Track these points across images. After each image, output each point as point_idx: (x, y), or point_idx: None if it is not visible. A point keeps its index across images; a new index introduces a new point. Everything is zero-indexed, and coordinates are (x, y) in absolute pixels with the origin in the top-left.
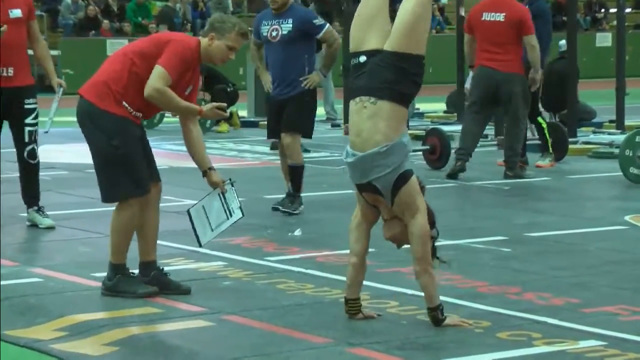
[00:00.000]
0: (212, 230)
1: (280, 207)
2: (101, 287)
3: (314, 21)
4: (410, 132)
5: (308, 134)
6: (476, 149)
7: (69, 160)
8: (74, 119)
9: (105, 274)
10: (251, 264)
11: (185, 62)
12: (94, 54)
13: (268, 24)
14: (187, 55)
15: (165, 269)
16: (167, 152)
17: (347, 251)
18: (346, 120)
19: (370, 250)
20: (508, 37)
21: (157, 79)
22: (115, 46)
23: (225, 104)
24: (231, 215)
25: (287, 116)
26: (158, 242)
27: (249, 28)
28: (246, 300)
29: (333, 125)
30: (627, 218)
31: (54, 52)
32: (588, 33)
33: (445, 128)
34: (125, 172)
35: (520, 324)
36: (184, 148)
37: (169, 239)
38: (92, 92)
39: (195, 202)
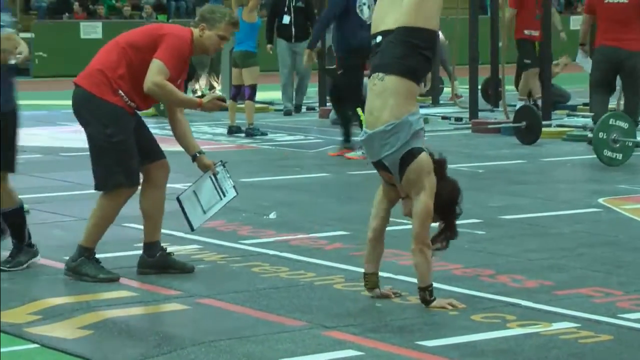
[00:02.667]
0: (205, 212)
1: None
2: (64, 267)
3: None
4: None
5: None
6: (450, 132)
7: (42, 143)
8: (47, 102)
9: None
10: (226, 247)
11: (182, 56)
12: (67, 37)
13: None
14: (183, 49)
15: (139, 252)
16: None
17: (322, 234)
18: (322, 104)
19: (344, 233)
20: (631, 17)
21: (156, 74)
22: (89, 29)
23: (224, 96)
24: (224, 195)
25: None
26: (134, 225)
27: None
28: (221, 283)
29: (308, 109)
30: (600, 200)
31: (27, 35)
32: (562, 16)
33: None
34: (117, 161)
35: (494, 306)
36: (165, 132)
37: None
38: (88, 81)
39: (185, 188)
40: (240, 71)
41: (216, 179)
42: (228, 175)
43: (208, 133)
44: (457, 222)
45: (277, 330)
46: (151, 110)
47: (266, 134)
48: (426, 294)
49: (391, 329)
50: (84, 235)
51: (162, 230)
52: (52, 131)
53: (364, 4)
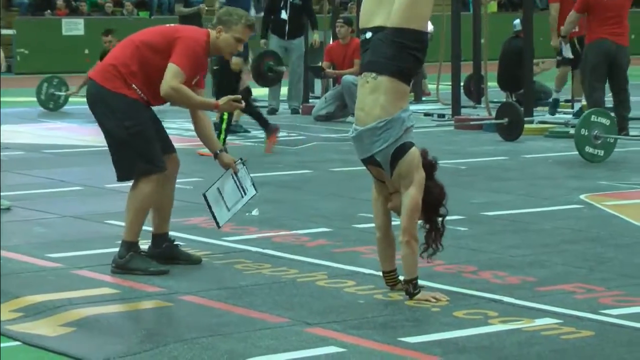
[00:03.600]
0: (229, 210)
1: None
2: (111, 265)
3: None
4: None
5: None
6: (433, 129)
7: (26, 140)
8: (30, 99)
9: (60, 254)
10: (208, 244)
11: (198, 59)
12: (49, 34)
13: None
14: (199, 52)
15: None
16: None
17: (305, 231)
18: (305, 101)
19: (326, 230)
20: (622, 13)
21: (172, 78)
22: (71, 25)
23: (240, 96)
24: (245, 194)
25: None
26: (117, 222)
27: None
28: (203, 280)
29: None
30: (582, 197)
31: (9, 32)
32: (544, 12)
33: None
34: (139, 151)
35: (476, 303)
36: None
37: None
38: (102, 76)
39: (209, 185)
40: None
41: (237, 177)
42: (248, 173)
43: (191, 130)
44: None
45: (260, 327)
46: None
47: (249, 132)
48: (410, 286)
49: (373, 325)
50: (125, 230)
51: (145, 228)
52: (34, 128)
53: None
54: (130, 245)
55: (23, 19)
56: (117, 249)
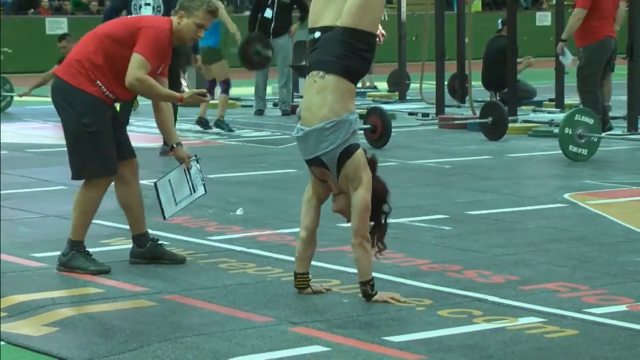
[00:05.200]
0: (176, 204)
1: None
2: (56, 263)
3: None
4: None
5: None
6: (417, 128)
7: (8, 139)
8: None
9: (44, 254)
10: (193, 244)
11: (162, 47)
12: (32, 33)
13: None
14: (163, 41)
15: (105, 249)
16: None
17: (289, 230)
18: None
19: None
20: (615, 9)
21: (137, 68)
22: (54, 25)
23: (205, 90)
24: (194, 191)
25: None
26: (99, 221)
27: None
28: (188, 279)
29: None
30: (566, 196)
31: None
32: (528, 12)
33: (386, 107)
34: (94, 151)
35: (460, 302)
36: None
37: (110, 219)
38: (66, 71)
39: (162, 176)
40: (207, 67)
41: (189, 173)
42: (200, 172)
43: None
44: (416, 218)
45: (244, 326)
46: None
47: (233, 131)
48: (367, 287)
49: (358, 324)
50: (71, 229)
51: (127, 227)
52: (18, 127)
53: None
54: (73, 244)
55: (7, 18)
56: (100, 249)
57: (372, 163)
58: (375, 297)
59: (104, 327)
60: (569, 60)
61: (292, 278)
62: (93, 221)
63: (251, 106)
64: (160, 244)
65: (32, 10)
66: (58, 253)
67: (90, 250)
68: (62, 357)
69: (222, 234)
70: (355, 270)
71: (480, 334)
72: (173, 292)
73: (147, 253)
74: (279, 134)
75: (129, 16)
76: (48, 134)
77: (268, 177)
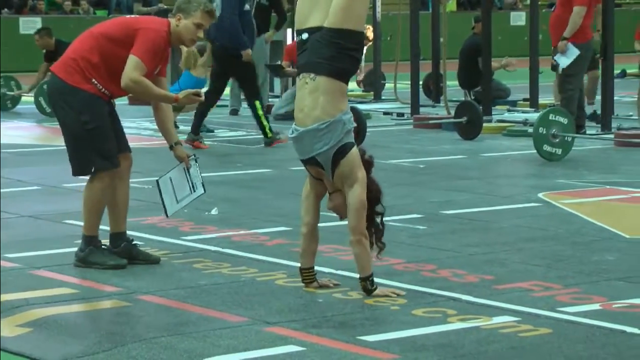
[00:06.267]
0: (177, 202)
1: None
2: (74, 259)
3: None
4: None
5: None
6: (392, 128)
7: None
8: None
9: (18, 254)
10: (167, 244)
11: (159, 49)
12: (5, 32)
13: None
14: (159, 43)
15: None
16: None
17: (264, 230)
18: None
19: (285, 229)
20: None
21: (132, 70)
22: (28, 24)
23: (200, 90)
24: (194, 190)
25: None
26: (75, 222)
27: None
28: (162, 280)
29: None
30: (540, 195)
31: None
32: (502, 12)
33: (361, 107)
34: (94, 146)
35: (435, 301)
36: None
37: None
38: (62, 69)
39: (163, 174)
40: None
41: (189, 172)
42: (199, 172)
43: (149, 129)
44: (391, 217)
45: (219, 326)
46: None
47: (212, 131)
48: (367, 283)
49: (333, 324)
50: (83, 224)
51: (103, 227)
52: None
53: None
54: (89, 239)
55: None
56: (75, 249)
57: (368, 163)
58: (376, 292)
59: (78, 328)
60: (571, 59)
61: (267, 277)
62: (67, 221)
63: (226, 106)
64: (135, 244)
65: (5, 9)
66: (32, 254)
67: (65, 250)
68: (36, 358)
69: (196, 234)
70: (330, 270)
71: (455, 333)
72: (147, 292)
73: (122, 253)
74: (254, 133)
75: (127, 16)
76: (23, 134)
77: (243, 176)
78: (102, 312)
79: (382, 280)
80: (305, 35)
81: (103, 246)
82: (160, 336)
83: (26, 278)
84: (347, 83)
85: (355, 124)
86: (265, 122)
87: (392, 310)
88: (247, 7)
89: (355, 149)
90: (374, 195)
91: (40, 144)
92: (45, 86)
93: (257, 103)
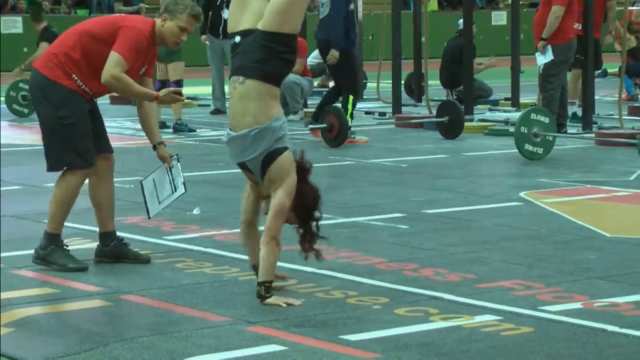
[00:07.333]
0: (159, 203)
1: None
2: (33, 255)
3: None
4: (308, 110)
5: None
6: (374, 127)
7: None
8: None
9: (2, 254)
10: (149, 243)
11: (141, 48)
12: None
13: None
14: (141, 41)
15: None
16: None
17: None
18: None
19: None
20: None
21: (113, 66)
22: (9, 23)
23: (181, 89)
24: (176, 190)
25: None
26: None
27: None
28: (144, 279)
29: None
30: (522, 194)
31: None
32: (484, 11)
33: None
34: (70, 143)
35: (417, 300)
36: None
37: (70, 220)
38: (44, 65)
39: (146, 175)
40: (165, 66)
41: (171, 172)
42: (180, 171)
43: (131, 128)
44: (373, 217)
45: (201, 325)
46: None
47: (194, 130)
48: (262, 288)
49: (314, 323)
50: (48, 222)
51: (85, 227)
52: None
53: None
54: (51, 237)
55: None
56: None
57: (304, 168)
58: (269, 300)
59: (60, 328)
60: (549, 58)
61: (249, 277)
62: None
63: (208, 105)
64: (125, 244)
65: None
66: (14, 253)
67: None
68: (18, 358)
69: (178, 234)
70: (312, 269)
71: (437, 332)
72: (129, 292)
73: (111, 252)
74: None
75: (112, 15)
76: (4, 133)
77: (225, 176)
78: (84, 312)
79: (364, 279)
80: (237, 39)
81: (65, 246)
82: (142, 336)
83: (8, 278)
84: (278, 86)
85: (287, 131)
86: (348, 118)
87: (374, 309)
88: (351, 7)
89: (287, 154)
90: (309, 200)
91: (22, 143)
92: (20, 84)
93: (350, 98)
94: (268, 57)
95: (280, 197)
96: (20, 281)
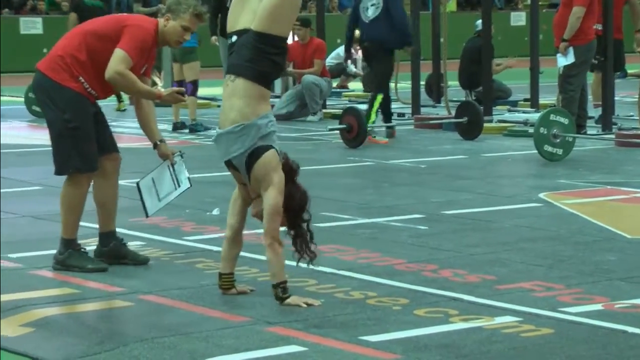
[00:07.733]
0: (160, 200)
1: None
2: (52, 261)
3: None
4: (327, 110)
5: None
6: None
7: None
8: None
9: (20, 254)
10: (170, 244)
11: (145, 47)
12: (6, 32)
13: None
14: (146, 40)
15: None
16: None
17: None
18: None
19: (286, 229)
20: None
21: (118, 62)
22: (29, 24)
23: (183, 89)
24: (179, 186)
25: None
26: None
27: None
28: (165, 280)
29: None
30: (541, 195)
31: None
32: (503, 12)
33: (362, 107)
34: (74, 146)
35: (437, 301)
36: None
37: (85, 219)
38: (48, 66)
39: (144, 175)
40: (181, 67)
41: (173, 168)
42: (184, 167)
43: (133, 128)
44: (392, 218)
45: (221, 326)
46: None
47: (210, 128)
48: (279, 290)
49: (334, 324)
50: (61, 228)
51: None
52: None
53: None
54: (67, 242)
55: None
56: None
57: (292, 170)
58: (288, 301)
59: (80, 328)
60: (571, 60)
61: (269, 278)
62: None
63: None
64: (124, 244)
65: (6, 9)
66: (34, 254)
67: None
68: (38, 358)
69: (198, 234)
70: (332, 270)
71: (457, 333)
72: (149, 292)
73: (110, 252)
74: None
75: (117, 14)
76: (24, 134)
77: None
78: (104, 312)
79: (383, 280)
80: (234, 38)
81: (82, 249)
82: (163, 336)
83: (28, 278)
84: (268, 87)
85: (275, 129)
86: (372, 116)
87: (394, 310)
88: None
89: (271, 152)
90: (297, 202)
91: (42, 144)
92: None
93: (379, 97)
94: (258, 57)
95: (272, 197)
96: (40, 281)
